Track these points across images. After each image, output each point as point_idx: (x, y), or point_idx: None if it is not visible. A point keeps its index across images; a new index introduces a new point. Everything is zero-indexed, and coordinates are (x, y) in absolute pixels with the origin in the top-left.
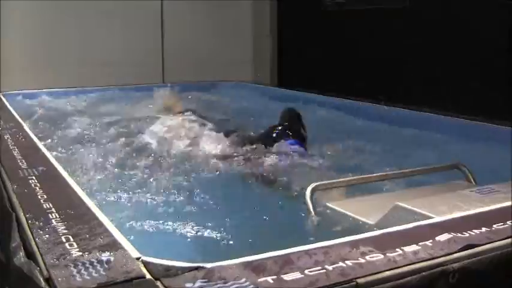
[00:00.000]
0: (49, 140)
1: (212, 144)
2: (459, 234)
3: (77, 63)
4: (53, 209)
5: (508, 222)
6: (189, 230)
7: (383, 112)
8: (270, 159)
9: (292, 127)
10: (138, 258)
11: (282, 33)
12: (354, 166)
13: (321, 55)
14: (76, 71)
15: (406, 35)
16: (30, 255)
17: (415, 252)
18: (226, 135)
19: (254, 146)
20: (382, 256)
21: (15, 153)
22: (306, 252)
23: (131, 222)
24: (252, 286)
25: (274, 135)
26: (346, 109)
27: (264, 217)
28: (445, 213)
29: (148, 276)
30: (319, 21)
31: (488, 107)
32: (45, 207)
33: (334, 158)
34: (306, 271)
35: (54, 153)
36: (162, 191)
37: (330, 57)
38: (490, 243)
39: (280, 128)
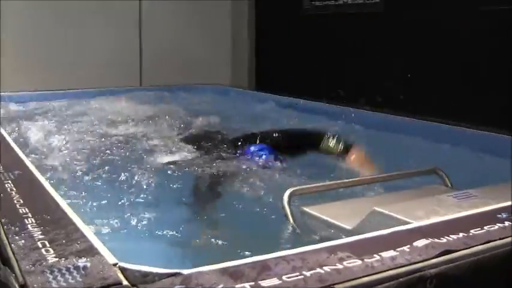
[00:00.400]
0: (20, 143)
1: (178, 151)
2: (437, 240)
3: (50, 65)
4: (29, 214)
5: (485, 227)
6: (162, 237)
7: (361, 116)
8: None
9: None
10: (115, 264)
11: (260, 36)
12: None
13: (299, 58)
14: (50, 73)
15: (383, 39)
16: (5, 261)
17: (392, 258)
18: (195, 141)
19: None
20: (359, 262)
21: None
22: (284, 258)
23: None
24: None
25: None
26: (324, 113)
27: (241, 223)
28: (422, 219)
29: (125, 282)
30: (298, 24)
31: (468, 111)
32: (21, 212)
33: (307, 164)
34: (284, 277)
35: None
36: (133, 198)
37: (308, 61)
38: (467, 248)
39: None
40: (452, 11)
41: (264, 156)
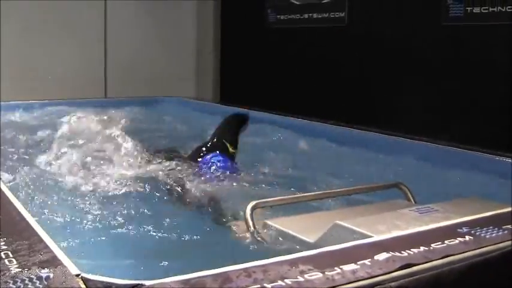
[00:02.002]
0: None
1: (137, 164)
2: (398, 254)
3: (17, 77)
4: None
5: (445, 241)
6: (126, 248)
7: (326, 130)
8: (196, 177)
9: (221, 140)
10: (77, 275)
11: (225, 49)
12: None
13: (263, 72)
14: (14, 84)
15: (347, 52)
16: None
17: (353, 271)
18: (154, 153)
19: (180, 165)
20: (320, 275)
21: None
22: (245, 270)
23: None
24: None
25: (201, 153)
26: (287, 126)
27: (202, 236)
28: (384, 232)
29: None
30: (262, 38)
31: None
32: None
33: (268, 176)
34: None
35: None
36: (94, 211)
37: (272, 74)
38: (427, 262)
39: (207, 146)
40: (415, 25)
41: (223, 165)
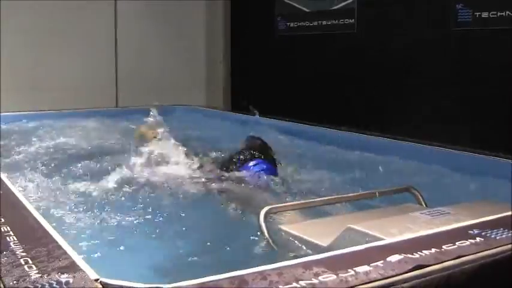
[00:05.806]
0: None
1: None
2: (409, 255)
3: (28, 87)
4: (11, 232)
5: (456, 243)
6: (145, 251)
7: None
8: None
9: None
10: (96, 280)
11: (235, 57)
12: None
13: (275, 79)
14: (27, 95)
15: (357, 59)
16: None
17: (366, 273)
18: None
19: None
20: (334, 276)
21: None
22: (260, 273)
23: (90, 244)
24: None
25: (241, 157)
26: (299, 134)
27: (220, 239)
28: (396, 235)
29: None
30: (272, 46)
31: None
32: (3, 230)
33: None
34: None
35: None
36: (123, 212)
37: (282, 82)
38: (438, 263)
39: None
40: (425, 30)
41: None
